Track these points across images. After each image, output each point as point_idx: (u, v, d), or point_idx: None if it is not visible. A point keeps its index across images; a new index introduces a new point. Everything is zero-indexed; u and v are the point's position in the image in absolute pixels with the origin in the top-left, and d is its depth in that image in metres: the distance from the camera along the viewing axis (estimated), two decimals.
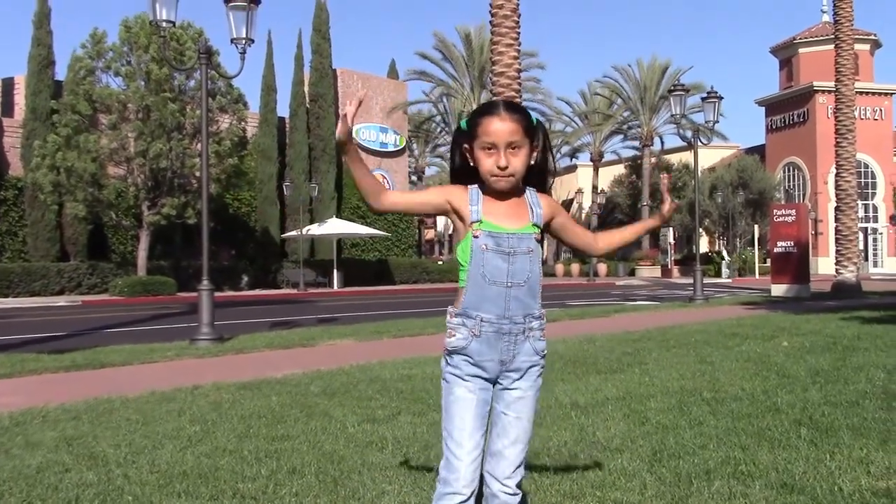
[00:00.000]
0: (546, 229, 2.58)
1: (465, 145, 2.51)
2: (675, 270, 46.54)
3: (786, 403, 5.60)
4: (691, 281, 22.01)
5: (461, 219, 2.50)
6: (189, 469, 4.21)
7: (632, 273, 48.92)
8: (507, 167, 2.43)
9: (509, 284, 2.45)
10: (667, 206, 2.82)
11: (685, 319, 13.66)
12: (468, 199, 2.49)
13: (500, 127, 2.42)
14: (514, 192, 2.51)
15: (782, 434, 4.67)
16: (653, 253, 49.75)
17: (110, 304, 24.85)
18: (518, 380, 2.51)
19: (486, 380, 2.50)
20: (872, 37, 53.65)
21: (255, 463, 4.31)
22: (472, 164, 2.50)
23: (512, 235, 2.45)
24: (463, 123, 2.53)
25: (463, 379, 2.49)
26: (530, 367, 2.52)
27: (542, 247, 2.54)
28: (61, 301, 26.08)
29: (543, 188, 2.60)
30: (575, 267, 50.26)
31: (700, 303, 19.04)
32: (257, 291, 32.35)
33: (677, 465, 4.08)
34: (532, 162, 2.52)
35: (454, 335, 2.49)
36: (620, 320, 14.00)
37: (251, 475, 4.08)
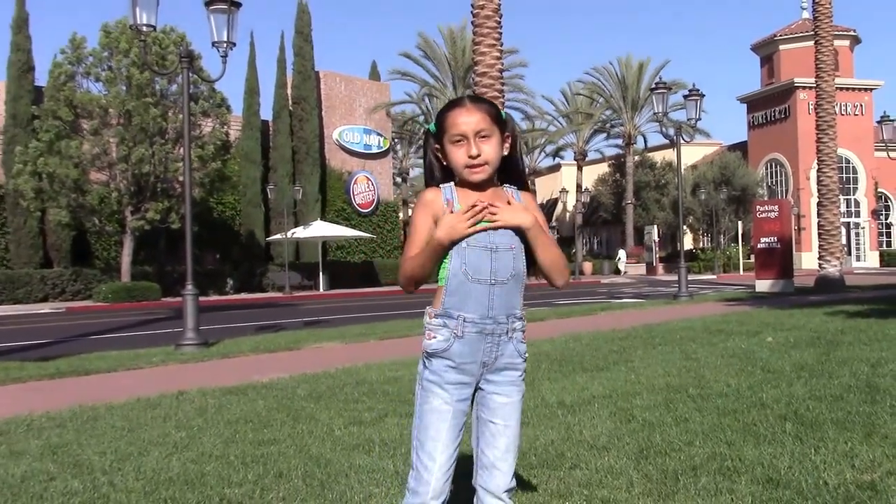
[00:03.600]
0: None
1: (437, 146, 2.45)
2: (660, 268, 46.73)
3: (771, 398, 5.63)
4: (676, 278, 22.09)
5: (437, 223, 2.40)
6: (175, 475, 4.19)
7: (617, 271, 49.08)
8: (479, 154, 2.36)
9: (493, 282, 2.36)
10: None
11: (670, 316, 13.71)
12: (443, 199, 2.41)
13: (466, 118, 2.37)
14: (491, 185, 2.44)
15: (768, 429, 4.69)
16: (638, 251, 49.93)
17: (94, 311, 24.69)
18: (501, 384, 2.42)
19: (466, 385, 2.41)
20: (852, 33, 54.02)
21: (242, 468, 4.29)
22: (445, 163, 2.44)
23: (493, 231, 2.36)
24: (431, 126, 2.46)
25: (441, 388, 2.39)
26: (512, 369, 2.43)
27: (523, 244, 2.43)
28: (45, 308, 25.90)
29: (524, 185, 2.52)
30: None
31: (685, 300, 19.10)
32: (243, 295, 32.24)
33: (664, 461, 4.09)
34: (505, 153, 2.45)
35: (434, 337, 2.39)
36: (606, 318, 14.04)
37: (237, 480, 4.06)
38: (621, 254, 49.80)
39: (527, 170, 2.45)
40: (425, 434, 2.39)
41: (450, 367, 2.40)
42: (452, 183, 2.45)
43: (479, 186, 2.42)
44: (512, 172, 2.51)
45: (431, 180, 2.50)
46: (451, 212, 2.37)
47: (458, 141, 2.38)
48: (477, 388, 2.44)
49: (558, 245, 2.51)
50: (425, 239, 2.39)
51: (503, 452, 2.40)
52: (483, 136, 2.37)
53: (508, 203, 2.40)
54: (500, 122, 2.42)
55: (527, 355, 2.49)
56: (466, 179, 2.40)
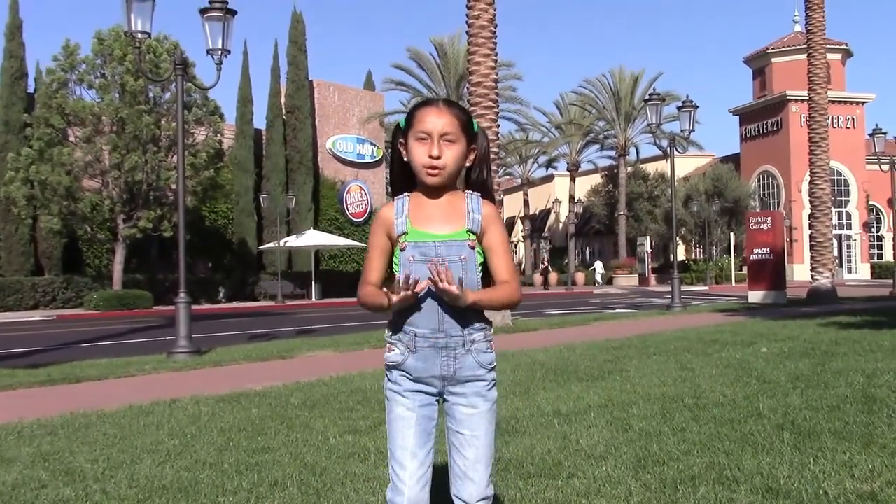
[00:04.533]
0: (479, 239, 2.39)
1: (402, 141, 2.42)
2: (653, 279, 46.79)
3: (767, 408, 5.61)
4: (668, 289, 22.10)
5: (391, 240, 2.40)
6: (168, 483, 4.14)
7: (609, 282, 49.13)
8: (439, 156, 2.32)
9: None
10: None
11: (664, 327, 13.70)
12: (394, 214, 2.39)
13: (434, 117, 2.34)
14: (448, 190, 2.40)
15: (765, 439, 4.67)
16: (630, 262, 49.99)
17: (86, 319, 24.57)
18: (466, 395, 2.39)
19: (429, 394, 2.40)
20: (844, 46, 54.30)
21: (236, 476, 4.25)
22: (407, 160, 2.40)
23: (440, 243, 2.33)
24: (401, 122, 2.44)
25: (402, 395, 2.39)
26: (476, 381, 2.39)
27: (477, 252, 2.37)
28: (36, 316, 25.77)
29: (488, 194, 2.45)
30: (553, 276, 50.40)
31: (678, 310, 19.10)
32: (235, 304, 32.14)
33: (662, 471, 4.06)
34: (469, 163, 2.42)
35: (392, 350, 2.40)
36: (600, 328, 14.02)
37: (232, 488, 4.02)
38: (597, 265, 50.06)
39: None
40: (393, 444, 2.39)
41: (406, 377, 2.40)
42: (407, 194, 2.42)
43: (435, 192, 2.39)
44: (479, 185, 2.46)
45: (391, 177, 2.51)
46: (397, 223, 2.37)
47: (422, 138, 2.35)
48: (444, 399, 2.42)
49: (511, 260, 2.45)
50: (377, 252, 2.42)
51: (473, 462, 2.37)
52: (447, 140, 2.35)
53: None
54: (469, 132, 2.40)
55: (494, 365, 2.44)
56: (423, 181, 2.38)
